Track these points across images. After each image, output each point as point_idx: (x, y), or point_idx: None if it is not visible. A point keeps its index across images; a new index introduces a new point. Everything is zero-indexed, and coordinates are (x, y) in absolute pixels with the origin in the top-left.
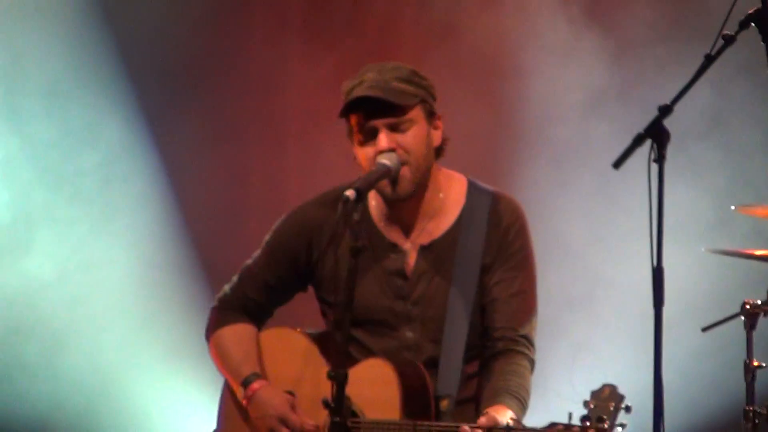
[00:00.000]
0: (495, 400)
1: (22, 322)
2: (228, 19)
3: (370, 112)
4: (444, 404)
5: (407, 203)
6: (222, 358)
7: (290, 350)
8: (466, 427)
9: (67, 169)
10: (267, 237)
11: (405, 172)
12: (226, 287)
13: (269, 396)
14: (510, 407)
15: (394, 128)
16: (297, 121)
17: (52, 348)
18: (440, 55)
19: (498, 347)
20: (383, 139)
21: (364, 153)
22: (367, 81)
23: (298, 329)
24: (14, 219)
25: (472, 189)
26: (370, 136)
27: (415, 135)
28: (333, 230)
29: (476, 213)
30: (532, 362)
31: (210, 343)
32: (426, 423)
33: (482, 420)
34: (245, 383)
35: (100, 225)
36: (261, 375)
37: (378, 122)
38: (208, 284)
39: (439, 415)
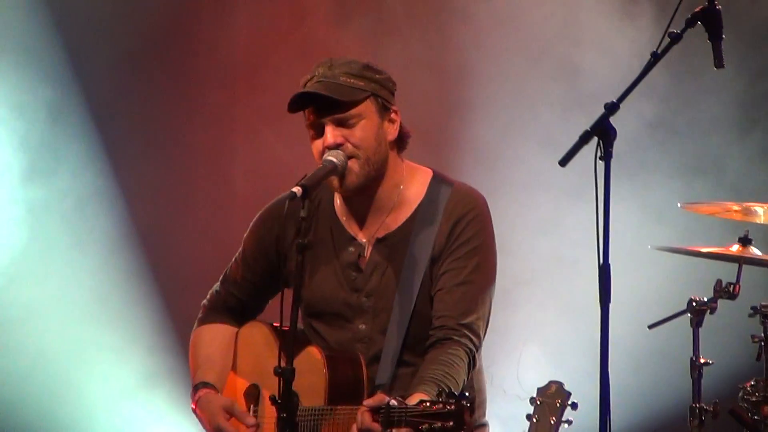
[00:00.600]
0: (416, 388)
1: None
2: (175, 8)
3: (318, 107)
4: (378, 393)
5: (364, 196)
6: (191, 358)
7: (258, 343)
8: (361, 409)
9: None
10: (245, 235)
11: (353, 165)
12: (215, 285)
13: (208, 405)
14: (427, 394)
15: (341, 123)
16: (246, 119)
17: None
18: (387, 49)
19: (437, 336)
20: (329, 135)
21: (315, 147)
22: (316, 76)
23: (268, 323)
24: None
25: (435, 182)
26: (320, 131)
27: (363, 129)
28: (284, 229)
29: (433, 205)
30: (470, 352)
31: (191, 340)
32: (340, 407)
33: (368, 401)
34: (194, 390)
35: (47, 226)
36: (210, 383)
37: (325, 118)
38: (155, 282)
39: None
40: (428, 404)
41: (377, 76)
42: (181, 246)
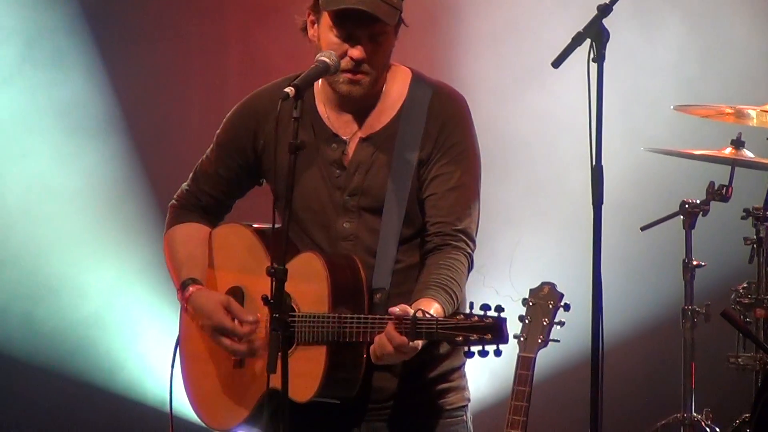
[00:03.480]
0: (423, 293)
1: None
2: None
3: (355, 18)
4: (378, 297)
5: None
6: (169, 259)
7: (238, 246)
8: (387, 328)
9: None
10: (218, 131)
11: (364, 80)
12: (184, 184)
13: (203, 302)
14: (436, 299)
15: (371, 39)
16: (238, 17)
17: None
18: None
19: (434, 242)
20: (359, 52)
21: (329, 42)
22: None
23: (247, 224)
24: None
25: (415, 82)
26: (350, 37)
27: (385, 48)
28: (273, 126)
29: (416, 106)
30: (468, 257)
31: (164, 242)
32: (349, 316)
33: (394, 309)
34: (182, 287)
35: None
36: (198, 279)
37: (362, 32)
38: (148, 176)
39: (372, 308)
40: (462, 317)
41: None
42: (174, 142)
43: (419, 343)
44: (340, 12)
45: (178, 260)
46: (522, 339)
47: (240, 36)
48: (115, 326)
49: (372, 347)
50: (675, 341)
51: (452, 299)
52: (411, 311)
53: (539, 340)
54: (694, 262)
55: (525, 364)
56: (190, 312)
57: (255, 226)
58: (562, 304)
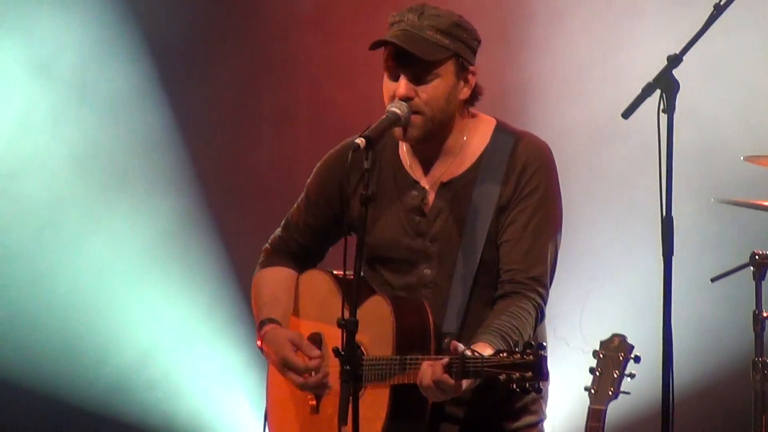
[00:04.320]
0: (480, 337)
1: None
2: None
3: (398, 55)
4: (446, 341)
5: (428, 143)
6: (254, 300)
7: (320, 292)
8: (425, 362)
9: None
10: (308, 180)
11: (417, 120)
12: (277, 230)
13: (274, 337)
14: (491, 345)
15: (416, 78)
16: (309, 70)
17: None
18: None
19: (505, 288)
20: (402, 87)
21: (386, 88)
22: (404, 22)
23: (330, 271)
24: (45, 201)
25: (498, 130)
26: (394, 73)
27: (436, 88)
28: (348, 177)
29: (498, 153)
30: (537, 306)
31: (252, 283)
32: (409, 357)
33: (448, 353)
34: (260, 326)
35: (118, 195)
36: (276, 319)
37: (403, 71)
38: (217, 229)
39: (440, 353)
40: (505, 354)
41: (464, 34)
42: (245, 194)
43: (464, 384)
44: (380, 46)
45: (261, 302)
46: (592, 391)
47: (310, 87)
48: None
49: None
50: (745, 393)
51: (509, 346)
52: (461, 349)
53: (610, 392)
54: (765, 314)
55: (596, 416)
56: (265, 348)
57: (336, 272)
58: (632, 356)
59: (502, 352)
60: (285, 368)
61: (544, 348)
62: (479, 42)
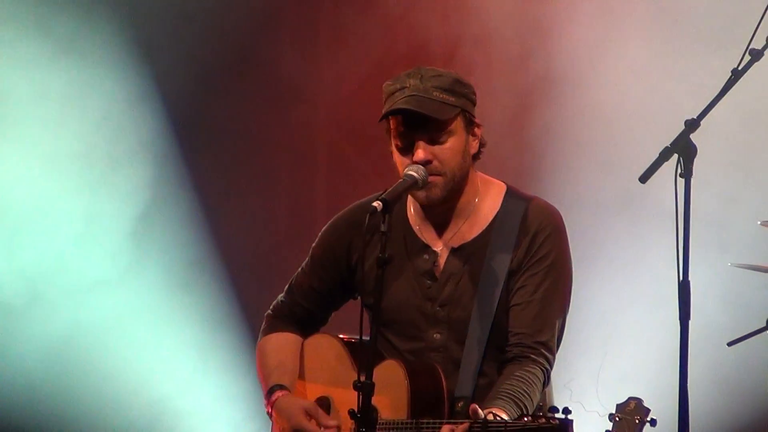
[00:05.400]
0: (493, 402)
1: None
2: (257, 26)
3: (409, 121)
4: (459, 405)
5: (441, 207)
6: (260, 366)
7: (327, 356)
8: (446, 426)
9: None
10: (313, 244)
11: (437, 180)
12: (280, 296)
13: (286, 405)
14: (505, 410)
15: (432, 140)
16: (326, 131)
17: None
18: (470, 59)
19: (514, 352)
20: (421, 153)
21: (400, 160)
22: (408, 88)
23: (336, 335)
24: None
25: (509, 195)
26: (407, 143)
27: (452, 147)
28: (362, 240)
29: (509, 218)
30: (545, 371)
31: (257, 351)
32: (426, 420)
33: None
34: (269, 393)
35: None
36: (285, 386)
37: (417, 135)
38: (236, 295)
39: (454, 417)
40: (530, 419)
41: (465, 90)
42: (261, 263)
43: None
44: (390, 118)
45: (268, 368)
46: None
47: (329, 151)
48: None
49: None
50: None
51: (520, 411)
52: (482, 414)
53: None
54: None
55: None
56: (273, 417)
57: (344, 337)
58: (648, 419)
59: (526, 416)
60: None
61: (569, 412)
62: (476, 96)
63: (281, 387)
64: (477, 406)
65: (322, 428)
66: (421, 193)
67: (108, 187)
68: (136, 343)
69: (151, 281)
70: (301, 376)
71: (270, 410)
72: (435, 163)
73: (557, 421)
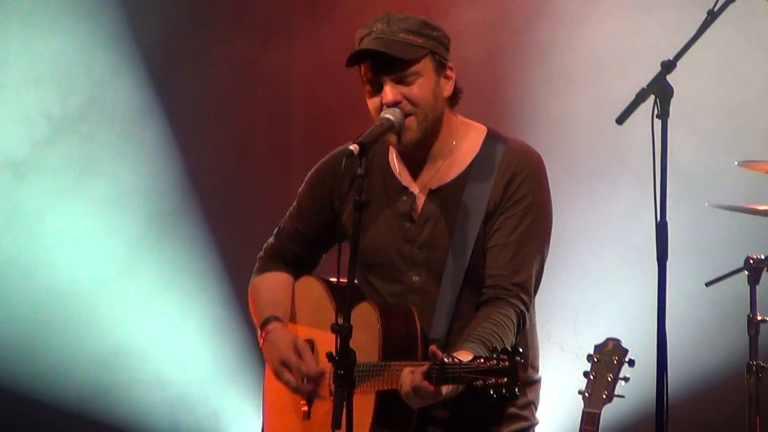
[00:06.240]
0: (462, 345)
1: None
2: None
3: (376, 64)
4: (433, 348)
5: (418, 149)
6: (253, 304)
7: (312, 299)
8: (407, 368)
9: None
10: (300, 189)
11: (410, 122)
12: (270, 238)
13: (278, 337)
14: (473, 351)
15: (399, 81)
16: (305, 76)
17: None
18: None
19: (488, 294)
20: (388, 93)
21: (372, 104)
22: (375, 32)
23: (322, 277)
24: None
25: (489, 138)
26: (377, 87)
27: (421, 87)
28: (341, 185)
29: (488, 160)
30: (520, 313)
31: (249, 290)
32: (394, 363)
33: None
34: (263, 325)
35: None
36: (280, 318)
37: (383, 76)
38: (214, 235)
39: (427, 358)
40: (482, 360)
41: (435, 33)
42: (241, 202)
43: (443, 390)
44: (356, 57)
45: (262, 303)
46: (587, 395)
47: (305, 93)
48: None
49: None
50: (739, 396)
51: (492, 354)
52: (440, 355)
53: (604, 396)
54: (759, 318)
55: (590, 419)
56: (266, 346)
57: (332, 279)
58: (626, 359)
59: (479, 358)
60: (282, 367)
61: (520, 353)
62: (450, 40)
63: (276, 318)
64: (435, 348)
65: (305, 368)
66: (394, 138)
67: (86, 145)
68: (109, 291)
69: (130, 233)
70: (291, 317)
71: (263, 342)
72: (405, 103)
73: (507, 363)
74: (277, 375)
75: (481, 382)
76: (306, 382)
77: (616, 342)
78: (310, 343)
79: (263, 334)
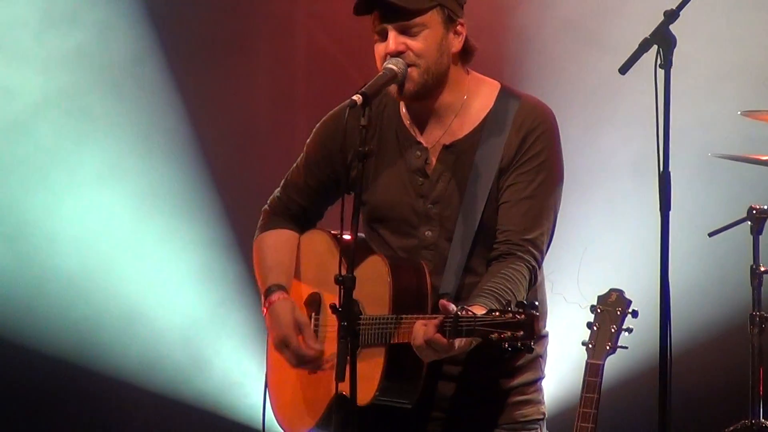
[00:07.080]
0: (474, 300)
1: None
2: None
3: (384, 12)
4: (443, 302)
5: (427, 103)
6: (257, 264)
7: (319, 252)
8: (419, 321)
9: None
10: (308, 140)
11: (412, 73)
12: (276, 191)
13: (280, 311)
14: (485, 306)
15: (404, 31)
16: (308, 28)
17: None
18: None
19: (500, 250)
20: (391, 41)
21: (377, 52)
22: None
23: (328, 231)
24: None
25: (503, 94)
26: (383, 36)
27: (426, 39)
28: (346, 137)
29: (501, 116)
30: (531, 269)
31: (254, 246)
32: (405, 316)
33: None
34: (266, 293)
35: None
36: (284, 286)
37: (388, 25)
38: (217, 190)
39: (437, 313)
40: (498, 314)
41: None
42: (243, 156)
43: (456, 344)
44: (365, 5)
45: (267, 266)
46: (590, 346)
47: (308, 42)
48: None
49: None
50: (743, 347)
51: (503, 309)
52: (453, 308)
53: (607, 347)
54: (762, 268)
55: (593, 370)
56: (269, 317)
57: (335, 232)
58: (630, 310)
59: (495, 311)
60: (283, 346)
61: (536, 307)
62: None
63: (280, 287)
64: (446, 302)
65: (305, 347)
66: (395, 88)
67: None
68: (117, 246)
69: (133, 185)
70: (297, 273)
71: (266, 312)
72: (408, 53)
73: (523, 316)
74: (278, 350)
75: (497, 335)
76: (305, 363)
77: (620, 293)
78: (318, 296)
79: (267, 304)
